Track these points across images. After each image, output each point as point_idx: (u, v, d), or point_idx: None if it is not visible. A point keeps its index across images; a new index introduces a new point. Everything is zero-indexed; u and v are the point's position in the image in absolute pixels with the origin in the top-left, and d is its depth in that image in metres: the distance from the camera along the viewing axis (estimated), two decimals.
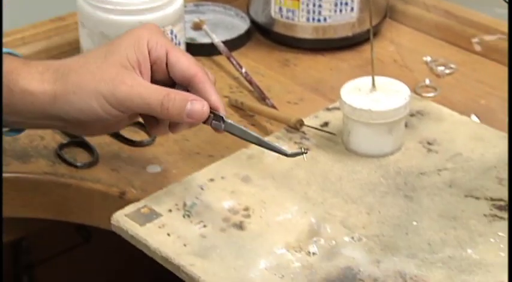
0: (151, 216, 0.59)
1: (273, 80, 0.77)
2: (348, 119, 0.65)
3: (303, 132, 0.68)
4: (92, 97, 0.55)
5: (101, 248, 0.81)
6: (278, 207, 0.60)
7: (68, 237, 0.80)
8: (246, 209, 0.60)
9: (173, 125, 0.59)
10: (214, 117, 0.57)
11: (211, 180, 0.63)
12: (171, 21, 0.73)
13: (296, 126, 0.68)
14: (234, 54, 0.79)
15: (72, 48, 0.79)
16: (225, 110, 0.58)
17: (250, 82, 0.76)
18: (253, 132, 0.58)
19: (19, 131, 0.62)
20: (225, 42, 0.80)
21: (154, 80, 0.58)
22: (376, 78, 0.66)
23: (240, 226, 0.59)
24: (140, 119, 0.61)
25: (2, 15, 0.73)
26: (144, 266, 0.63)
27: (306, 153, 0.56)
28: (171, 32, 0.73)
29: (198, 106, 0.56)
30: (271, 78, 0.77)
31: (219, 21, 0.85)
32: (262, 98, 0.74)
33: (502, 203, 0.60)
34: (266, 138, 0.58)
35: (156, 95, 0.56)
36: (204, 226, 0.59)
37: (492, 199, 0.61)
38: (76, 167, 0.65)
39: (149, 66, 0.57)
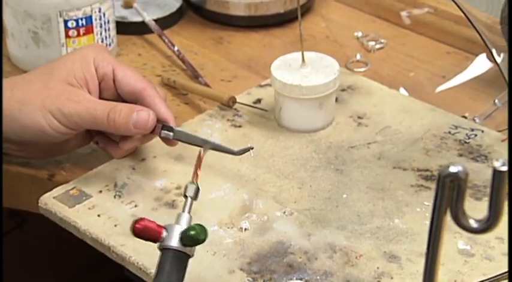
0: (80, 197, 0.59)
1: (206, 58, 0.76)
2: (279, 95, 0.66)
3: (236, 110, 0.68)
4: (39, 113, 0.56)
5: (35, 233, 0.79)
6: (210, 185, 0.60)
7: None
8: (179, 187, 0.60)
9: (123, 139, 0.59)
10: (163, 127, 0.59)
11: (143, 160, 0.62)
12: None
13: (229, 104, 0.68)
14: (166, 32, 0.79)
15: None
16: (175, 122, 0.59)
17: (183, 60, 0.75)
18: (200, 136, 0.60)
19: None
20: (157, 21, 0.79)
21: (102, 98, 0.59)
22: (306, 53, 0.66)
23: (172, 205, 0.59)
24: (92, 143, 0.61)
25: (1, 16, 0.70)
26: (79, 250, 0.62)
27: (252, 149, 0.59)
28: (99, 10, 0.72)
29: (144, 115, 0.57)
30: (204, 56, 0.77)
31: None
32: (195, 76, 0.74)
33: (428, 173, 0.62)
34: (213, 140, 0.60)
35: (103, 108, 0.57)
36: (136, 206, 0.58)
37: (419, 170, 0.62)
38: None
39: (97, 84, 0.58)
